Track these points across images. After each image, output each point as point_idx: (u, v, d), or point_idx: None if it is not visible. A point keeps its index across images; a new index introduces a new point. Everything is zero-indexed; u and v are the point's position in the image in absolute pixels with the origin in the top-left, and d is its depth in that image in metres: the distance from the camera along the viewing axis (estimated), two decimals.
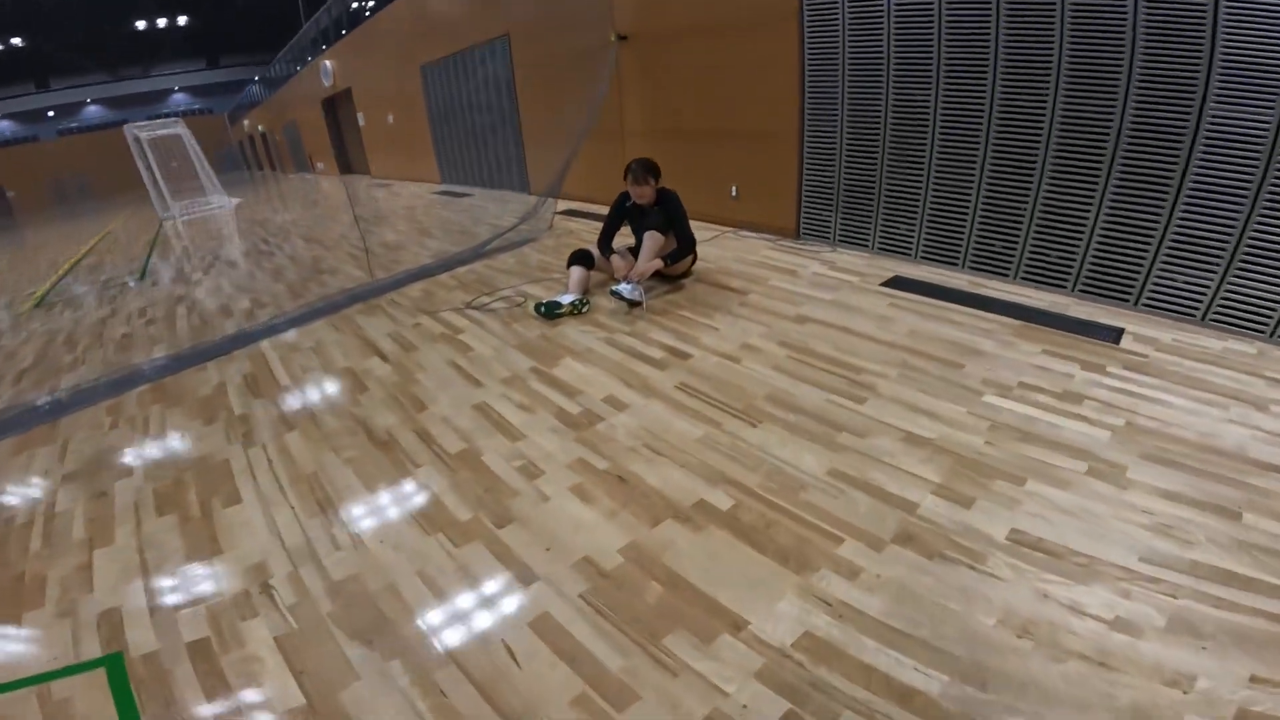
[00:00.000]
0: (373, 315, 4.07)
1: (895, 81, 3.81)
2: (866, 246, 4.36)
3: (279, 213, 10.68)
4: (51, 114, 30.39)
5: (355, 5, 12.80)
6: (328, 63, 13.76)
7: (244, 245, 7.68)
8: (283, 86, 18.61)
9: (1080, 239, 3.27)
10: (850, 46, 4.00)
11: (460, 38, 8.39)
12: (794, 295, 3.64)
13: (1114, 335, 2.94)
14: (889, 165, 4.03)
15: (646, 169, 3.67)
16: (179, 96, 32.44)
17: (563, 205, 6.84)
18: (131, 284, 6.27)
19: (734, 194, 5.20)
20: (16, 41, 27.19)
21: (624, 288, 3.49)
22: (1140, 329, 2.98)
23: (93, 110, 31.06)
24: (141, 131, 12.69)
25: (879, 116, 3.96)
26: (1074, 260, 3.33)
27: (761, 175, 4.97)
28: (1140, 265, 3.10)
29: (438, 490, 2.23)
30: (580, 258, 3.77)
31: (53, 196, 26.88)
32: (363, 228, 7.44)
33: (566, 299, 3.55)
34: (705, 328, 3.28)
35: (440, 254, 5.53)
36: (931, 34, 3.53)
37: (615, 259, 3.76)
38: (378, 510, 2.17)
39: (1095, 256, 3.25)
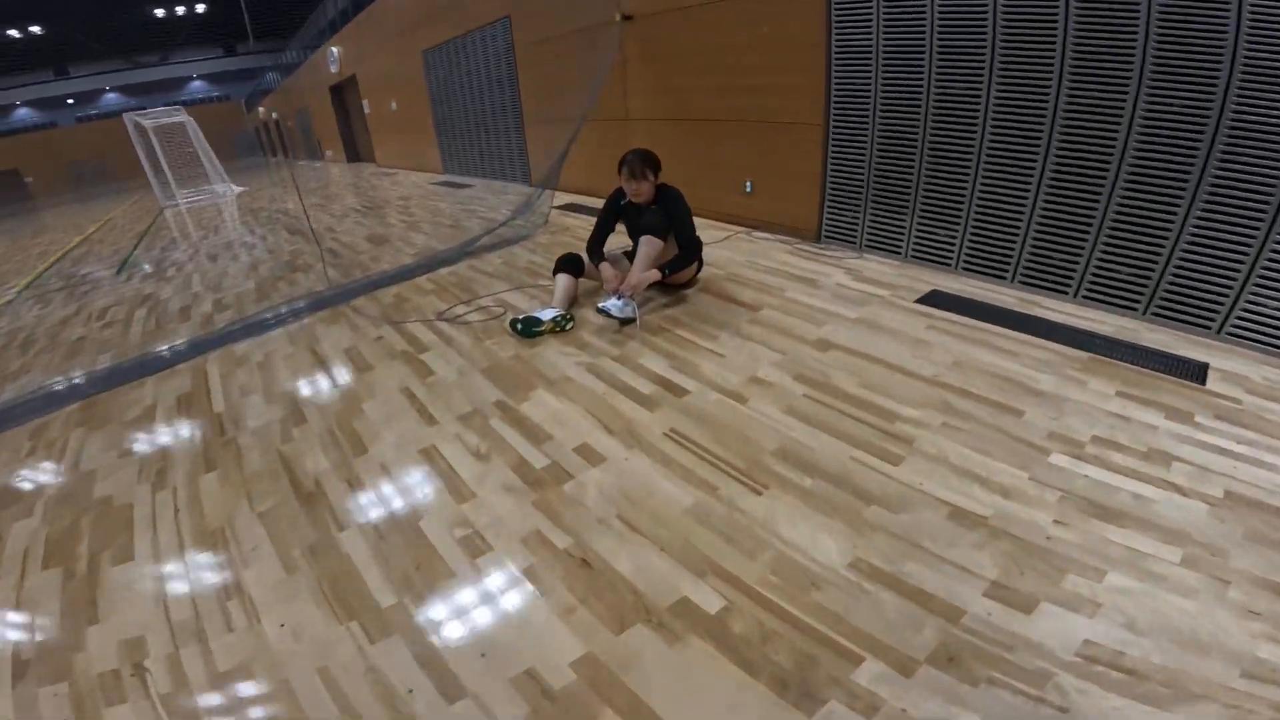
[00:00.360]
0: (334, 324, 3.63)
1: (939, 67, 3.25)
2: (898, 254, 3.82)
3: (276, 201, 10.32)
4: (71, 101, 30.44)
5: None
6: (335, 49, 13.39)
7: (230, 237, 7.30)
8: (294, 73, 18.34)
9: (1159, 255, 2.72)
10: (885, 26, 3.45)
11: (461, 21, 7.93)
12: (814, 311, 3.12)
13: (1198, 372, 2.40)
14: (928, 162, 3.49)
15: (645, 162, 3.18)
16: (197, 84, 32.36)
17: (561, 199, 6.36)
18: (108, 278, 5.90)
19: (748, 189, 4.68)
20: (36, 29, 27.15)
21: (613, 304, 3.01)
22: (1226, 364, 2.44)
23: (111, 97, 31.06)
24: (145, 119, 12.42)
25: (918, 106, 3.42)
26: (1149, 278, 2.78)
27: (780, 169, 4.44)
28: (1229, 287, 2.55)
29: (360, 563, 1.78)
30: (568, 264, 3.29)
31: (70, 182, 26.96)
32: (346, 222, 7.02)
33: (548, 314, 3.06)
34: (708, 353, 2.77)
35: (425, 252, 5.08)
36: (986, 14, 2.98)
37: (606, 267, 3.24)
38: (284, 584, 1.73)
39: (1175, 275, 2.69)
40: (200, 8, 29.50)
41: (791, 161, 4.32)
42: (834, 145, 4.00)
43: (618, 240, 3.56)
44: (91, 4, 25.83)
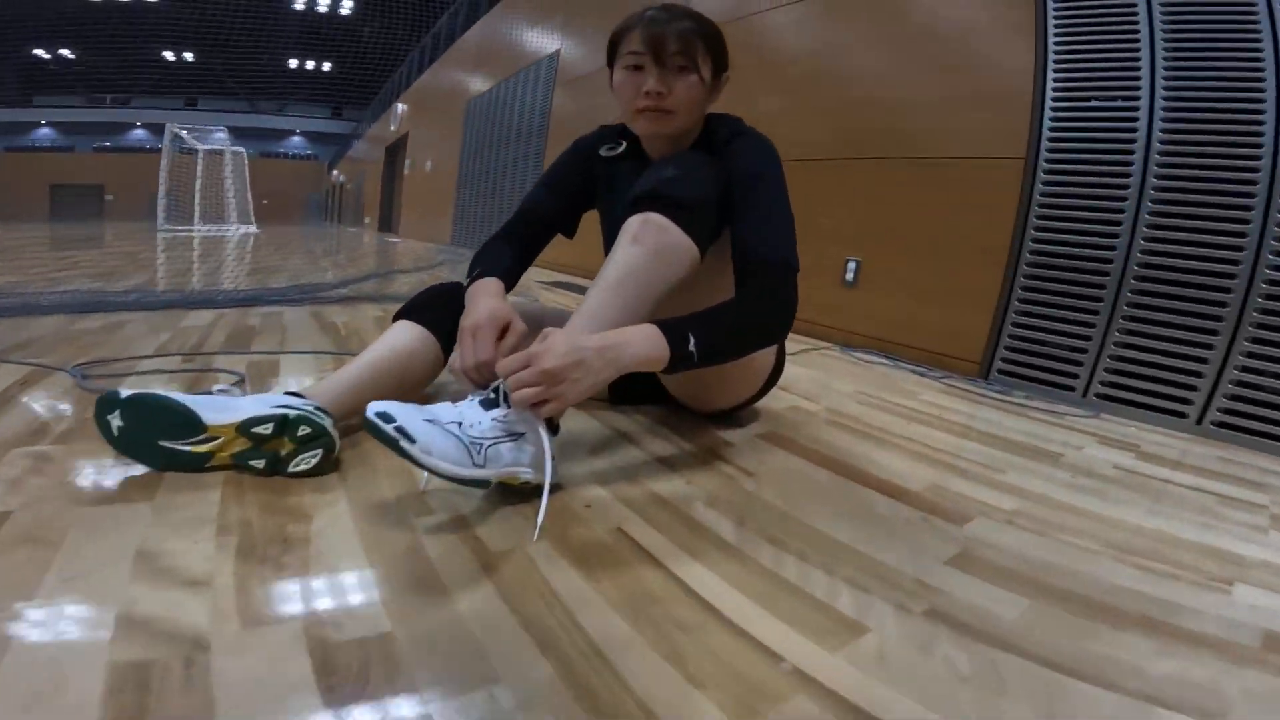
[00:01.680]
0: None
1: None
2: (1182, 419, 1.71)
3: (239, 258, 8.97)
4: (186, 131, 31.69)
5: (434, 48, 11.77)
6: (401, 105, 12.76)
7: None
8: (364, 138, 18.19)
9: None
10: None
11: (511, 62, 6.69)
12: (1122, 533, 0.86)
13: None
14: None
15: (697, 33, 1.02)
16: (297, 139, 33.79)
17: (545, 274, 4.54)
18: None
19: (849, 276, 2.71)
20: (189, 56, 28.12)
21: (469, 413, 0.80)
22: None
23: (219, 136, 32.39)
24: (187, 133, 11.71)
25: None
26: None
27: (918, 250, 2.49)
28: None
29: None
30: (423, 308, 1.16)
31: (145, 205, 27.47)
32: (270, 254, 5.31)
33: (269, 406, 0.87)
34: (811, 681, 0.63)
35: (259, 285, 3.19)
36: None
37: (477, 325, 0.95)
38: None
39: None
40: (326, 66, 30.91)
41: (954, 234, 2.37)
42: (1041, 212, 2.05)
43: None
44: (241, 41, 26.74)
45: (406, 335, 1.09)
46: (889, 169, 2.64)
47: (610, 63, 1.07)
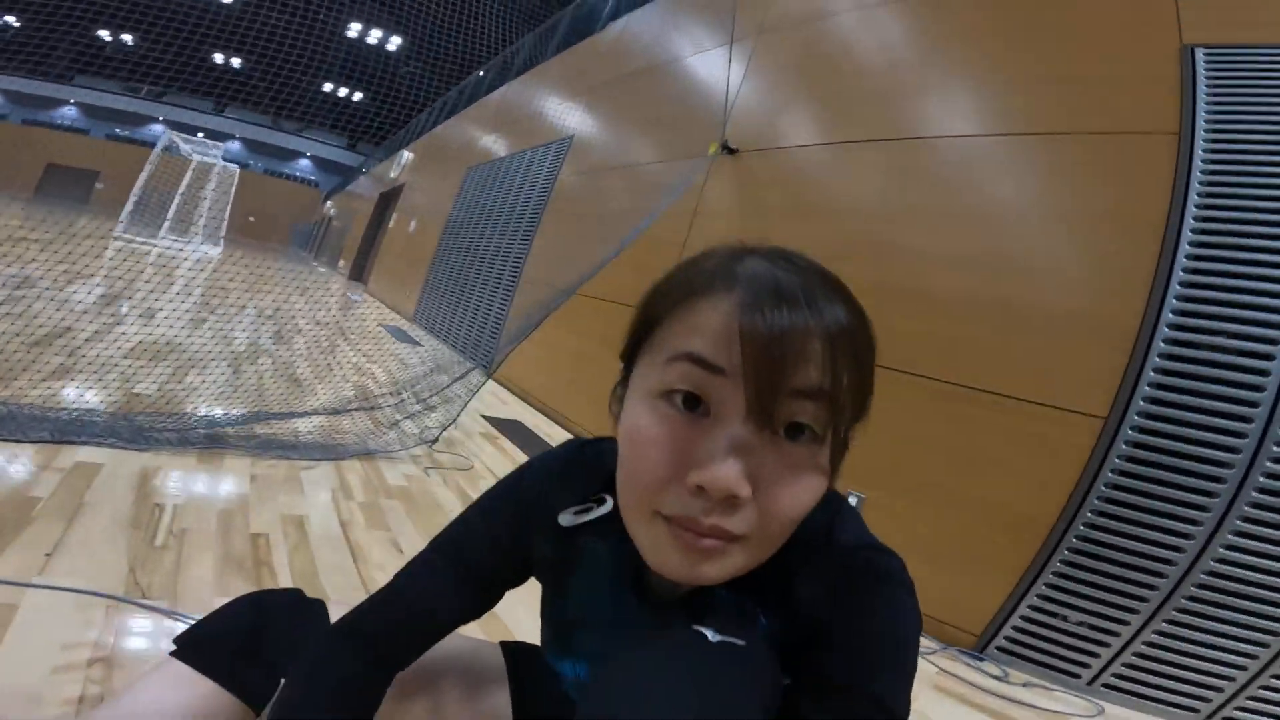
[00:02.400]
0: None
1: None
2: (1193, 713, 1.27)
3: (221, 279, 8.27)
4: (201, 135, 31.27)
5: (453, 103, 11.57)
6: (408, 153, 12.41)
7: None
8: (366, 176, 17.89)
9: None
10: None
11: (524, 137, 6.27)
12: None
13: None
14: None
15: (848, 329, 0.41)
16: (304, 163, 33.68)
17: (494, 403, 3.82)
18: None
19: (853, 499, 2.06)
20: (236, 62, 28.04)
21: None
22: None
23: (233, 146, 32.00)
24: (183, 142, 11.22)
25: None
26: None
27: (944, 483, 1.90)
28: None
29: None
30: (210, 641, 0.63)
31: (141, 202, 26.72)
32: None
33: None
34: None
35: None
36: None
37: None
38: None
39: None
40: (357, 96, 30.99)
41: (985, 491, 1.79)
42: (1113, 484, 1.47)
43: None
44: (293, 58, 26.61)
45: (188, 693, 0.61)
46: (914, 389, 2.05)
47: (633, 345, 0.47)
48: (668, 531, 0.41)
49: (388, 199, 12.89)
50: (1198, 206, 1.72)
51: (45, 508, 1.36)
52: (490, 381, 4.53)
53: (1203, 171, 1.74)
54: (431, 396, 2.56)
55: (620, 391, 0.47)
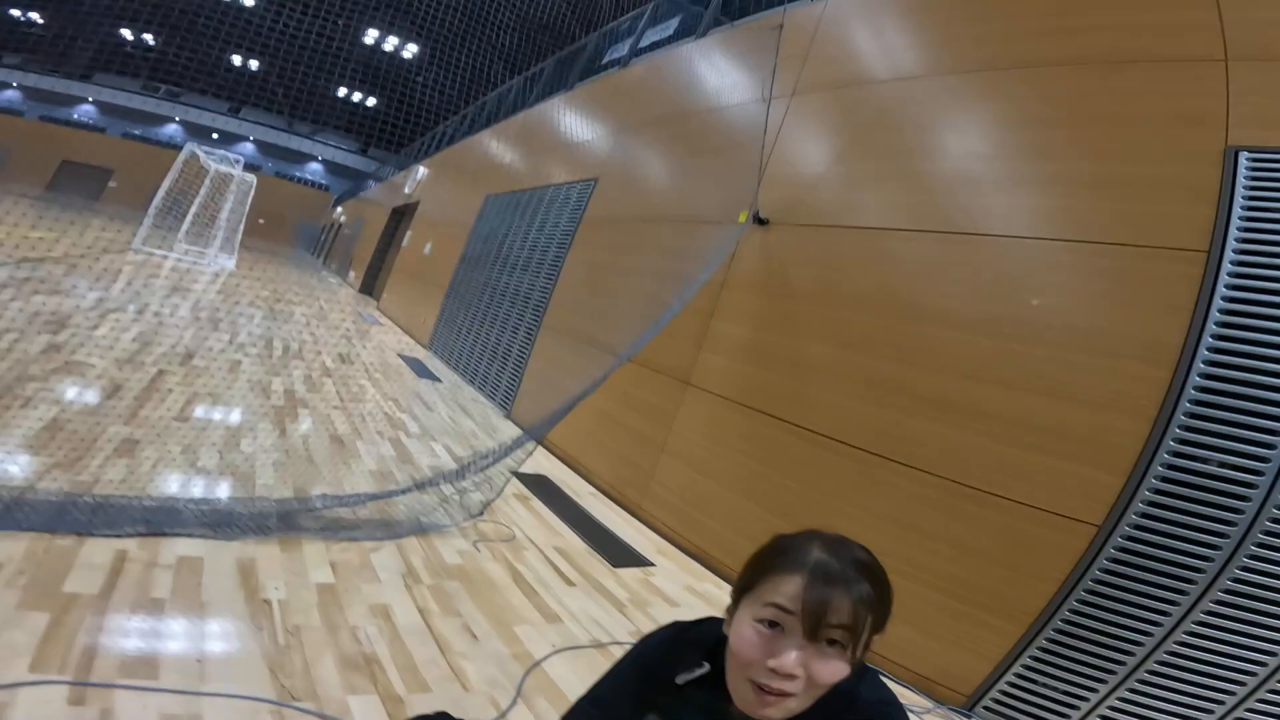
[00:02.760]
0: None
1: None
2: None
3: (244, 294, 8.37)
4: (215, 136, 31.40)
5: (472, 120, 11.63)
6: (422, 169, 12.51)
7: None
8: (380, 185, 17.97)
9: None
10: None
11: (545, 173, 6.35)
12: None
13: None
14: None
15: (873, 599, 0.75)
16: (315, 166, 33.80)
17: (528, 462, 3.89)
18: None
19: None
20: (254, 64, 27.91)
21: None
22: None
23: (247, 148, 32.05)
24: (204, 154, 11.33)
25: None
26: None
27: (934, 583, 2.02)
28: None
29: None
30: None
31: (145, 201, 26.82)
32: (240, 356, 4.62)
33: None
34: None
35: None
36: None
37: None
38: None
39: None
40: (371, 101, 30.90)
41: (981, 581, 1.91)
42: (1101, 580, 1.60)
43: None
44: (309, 61, 26.31)
45: None
46: (922, 483, 2.17)
47: (741, 587, 0.81)
48: (753, 688, 0.74)
49: (400, 214, 12.99)
50: (1213, 336, 1.81)
51: (172, 608, 1.50)
52: (510, 423, 4.62)
53: (1224, 297, 1.83)
54: (485, 467, 2.65)
55: (731, 611, 0.81)
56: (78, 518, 1.71)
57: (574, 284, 4.80)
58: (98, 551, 1.63)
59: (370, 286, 13.23)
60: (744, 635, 0.76)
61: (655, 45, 6.02)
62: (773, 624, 0.74)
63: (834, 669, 0.73)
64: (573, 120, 6.63)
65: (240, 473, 2.40)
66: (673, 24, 6.01)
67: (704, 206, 3.76)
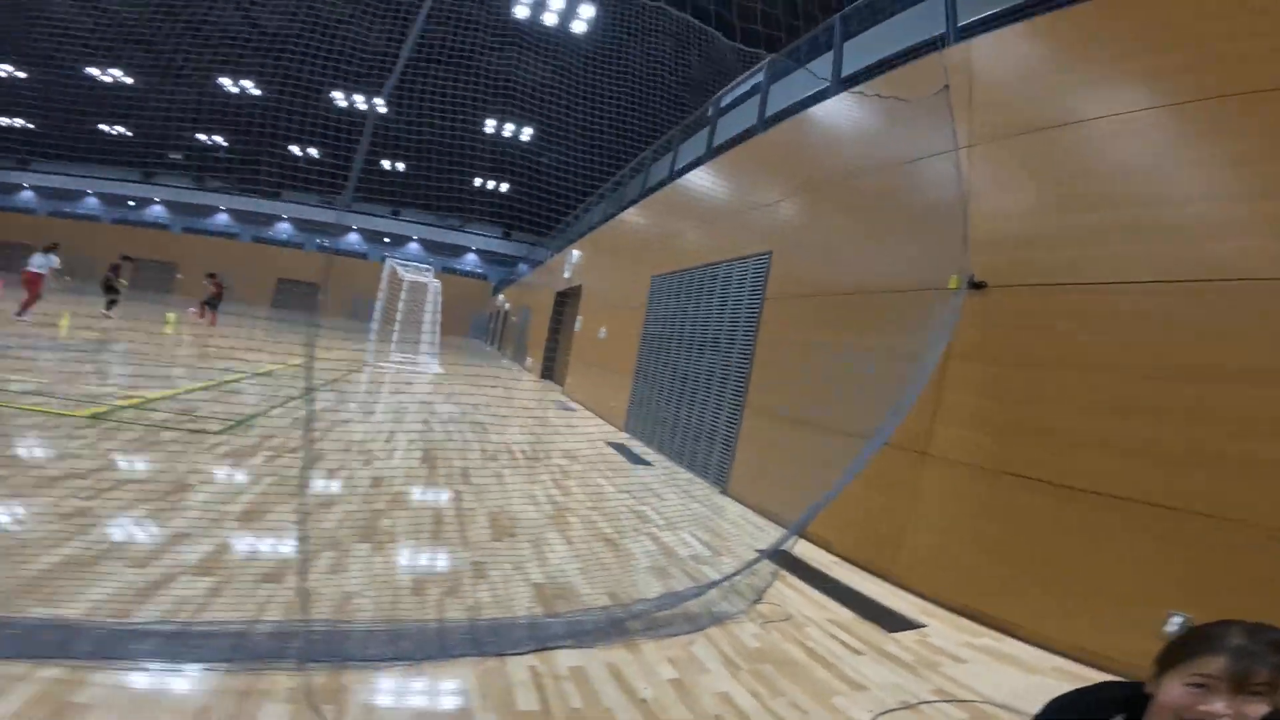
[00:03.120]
0: None
1: None
2: None
3: (443, 403, 9.54)
4: (387, 240, 36.02)
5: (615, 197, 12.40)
6: (576, 252, 13.43)
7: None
8: (537, 269, 19.40)
9: None
10: None
11: (710, 250, 6.65)
12: None
13: None
14: None
15: (1273, 650, 0.99)
16: (471, 257, 37.49)
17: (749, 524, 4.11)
18: None
19: (1173, 626, 2.07)
20: (400, 166, 32.07)
21: None
22: None
23: (413, 248, 36.36)
24: (401, 267, 13.09)
25: None
26: None
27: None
28: None
29: None
30: None
31: (346, 306, 31.07)
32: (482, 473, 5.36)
33: None
34: None
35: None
36: None
37: None
38: None
39: None
40: (504, 187, 33.91)
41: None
42: None
43: None
44: (445, 157, 29.74)
45: None
46: (1237, 535, 2.07)
47: (1166, 664, 1.02)
48: None
49: (564, 297, 14.02)
50: None
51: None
52: (731, 499, 4.91)
53: None
54: (756, 561, 3.00)
55: (1156, 679, 1.00)
56: (492, 641, 2.21)
57: (772, 361, 5.03)
58: (517, 669, 2.09)
59: (550, 371, 14.22)
60: (1177, 697, 0.98)
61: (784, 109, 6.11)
62: (1200, 686, 0.96)
63: (1255, 710, 0.94)
64: (724, 191, 6.84)
65: (566, 585, 2.87)
66: (796, 81, 6.01)
67: (900, 274, 3.83)
